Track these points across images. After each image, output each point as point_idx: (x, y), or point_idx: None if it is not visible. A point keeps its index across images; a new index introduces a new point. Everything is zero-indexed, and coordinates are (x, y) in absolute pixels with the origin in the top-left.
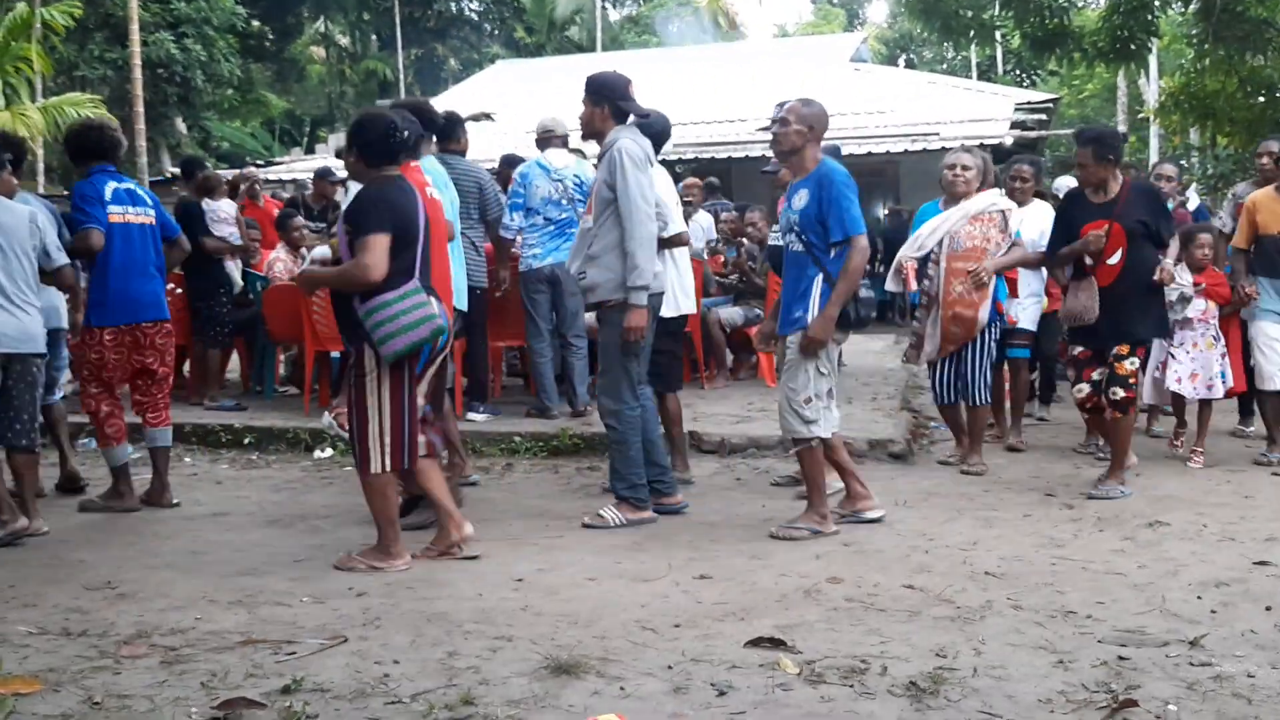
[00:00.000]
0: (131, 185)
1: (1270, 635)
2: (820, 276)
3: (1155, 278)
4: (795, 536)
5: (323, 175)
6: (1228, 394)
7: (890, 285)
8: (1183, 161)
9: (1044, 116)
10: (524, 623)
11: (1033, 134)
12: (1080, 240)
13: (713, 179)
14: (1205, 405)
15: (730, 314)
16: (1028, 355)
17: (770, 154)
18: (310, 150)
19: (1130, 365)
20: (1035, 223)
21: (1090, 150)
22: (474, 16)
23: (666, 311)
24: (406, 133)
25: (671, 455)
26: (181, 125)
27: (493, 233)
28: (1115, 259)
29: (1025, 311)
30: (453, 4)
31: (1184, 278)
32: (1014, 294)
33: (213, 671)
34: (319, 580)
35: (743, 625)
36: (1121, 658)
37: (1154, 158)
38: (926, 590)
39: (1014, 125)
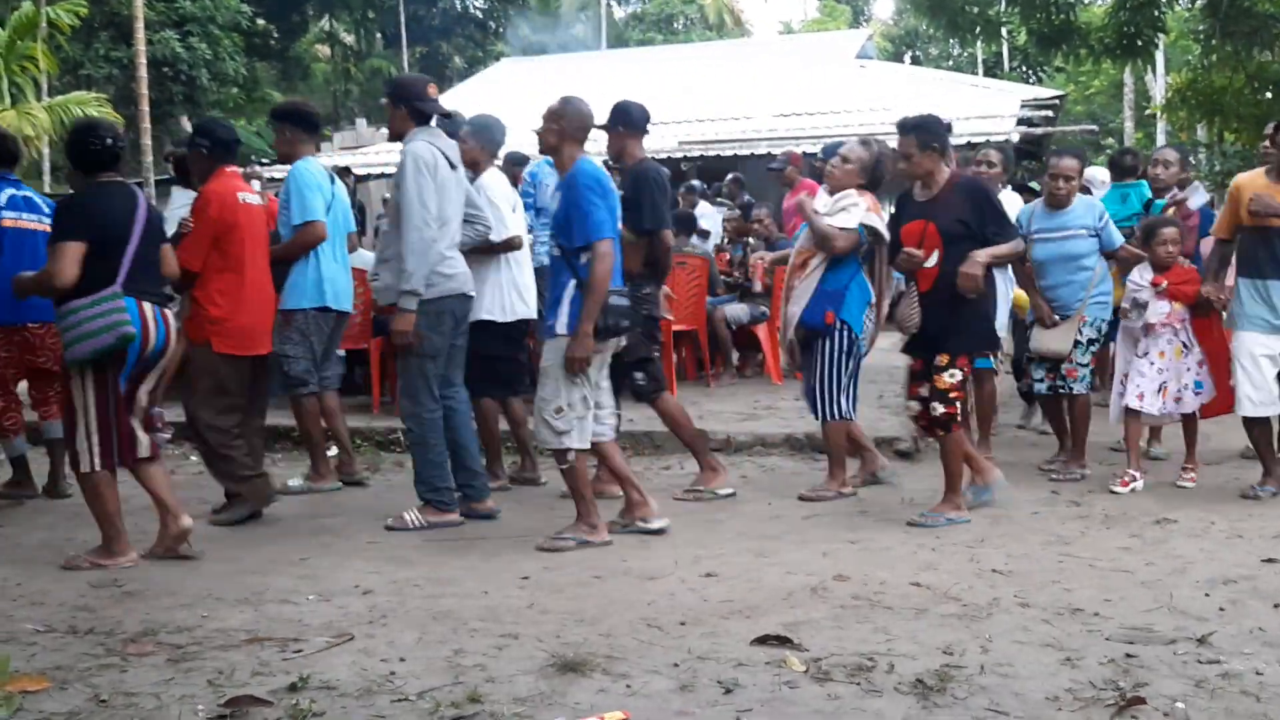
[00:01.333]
0: (30, 193)
1: (1279, 633)
2: (573, 283)
3: (960, 284)
4: (561, 548)
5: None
6: (1209, 411)
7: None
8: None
9: (1050, 113)
10: (530, 620)
11: (1039, 130)
12: (901, 255)
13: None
14: (1188, 418)
15: (736, 312)
16: (990, 365)
17: (775, 153)
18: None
19: (950, 378)
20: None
21: (913, 138)
22: (479, 14)
23: (500, 317)
24: (110, 140)
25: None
26: (187, 124)
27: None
28: (932, 262)
29: None
30: (457, 2)
31: (1143, 277)
32: None
33: (219, 669)
34: (325, 578)
35: (749, 623)
36: (1129, 655)
37: None
38: (933, 588)
39: (1020, 122)
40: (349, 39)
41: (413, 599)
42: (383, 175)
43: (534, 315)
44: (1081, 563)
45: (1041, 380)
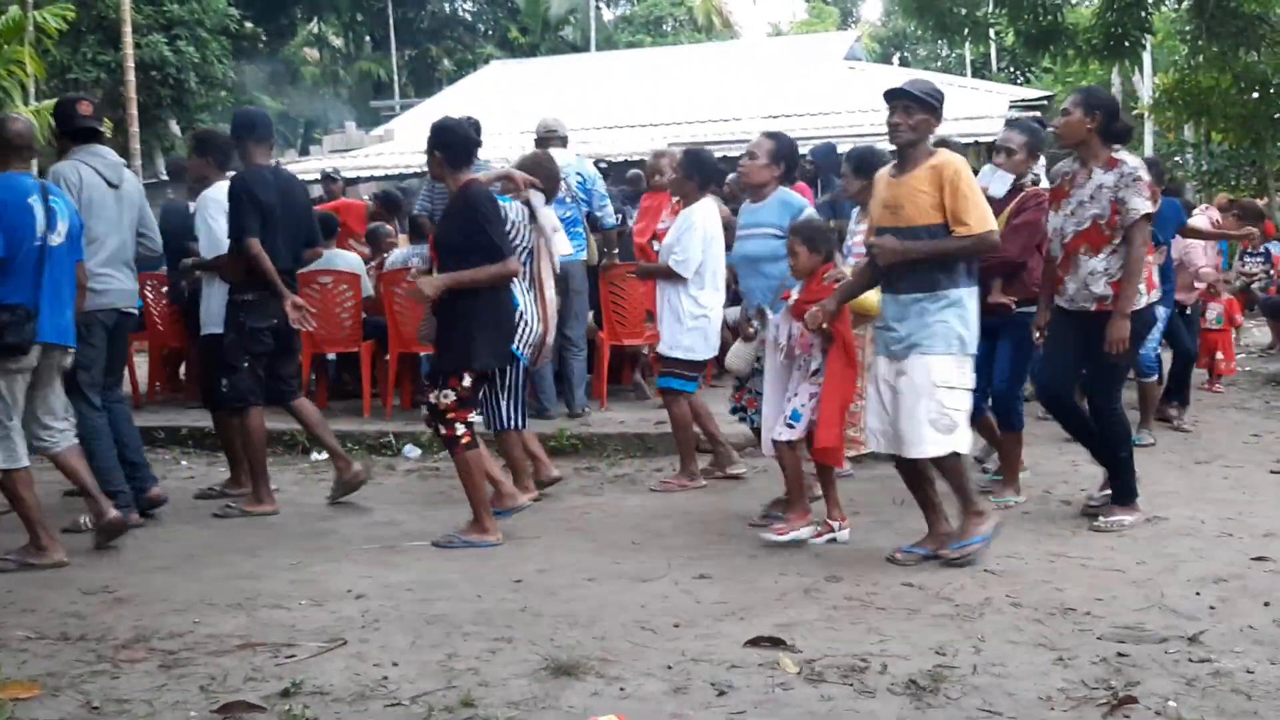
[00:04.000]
0: None
1: (1269, 631)
2: None
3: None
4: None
5: (330, 177)
6: (819, 452)
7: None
8: (1177, 158)
9: (1039, 113)
10: (523, 624)
11: None
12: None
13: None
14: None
15: (730, 313)
16: (673, 385)
17: None
18: (305, 152)
19: (443, 398)
20: None
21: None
22: (468, 17)
23: (215, 329)
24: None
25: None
26: (175, 127)
27: None
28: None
29: None
30: (446, 4)
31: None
32: None
33: (212, 675)
34: (318, 583)
35: (742, 624)
36: (1121, 654)
37: (1149, 154)
38: (926, 588)
39: (1008, 123)
40: (338, 42)
41: (405, 603)
42: (372, 178)
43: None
44: (1073, 562)
45: (731, 403)
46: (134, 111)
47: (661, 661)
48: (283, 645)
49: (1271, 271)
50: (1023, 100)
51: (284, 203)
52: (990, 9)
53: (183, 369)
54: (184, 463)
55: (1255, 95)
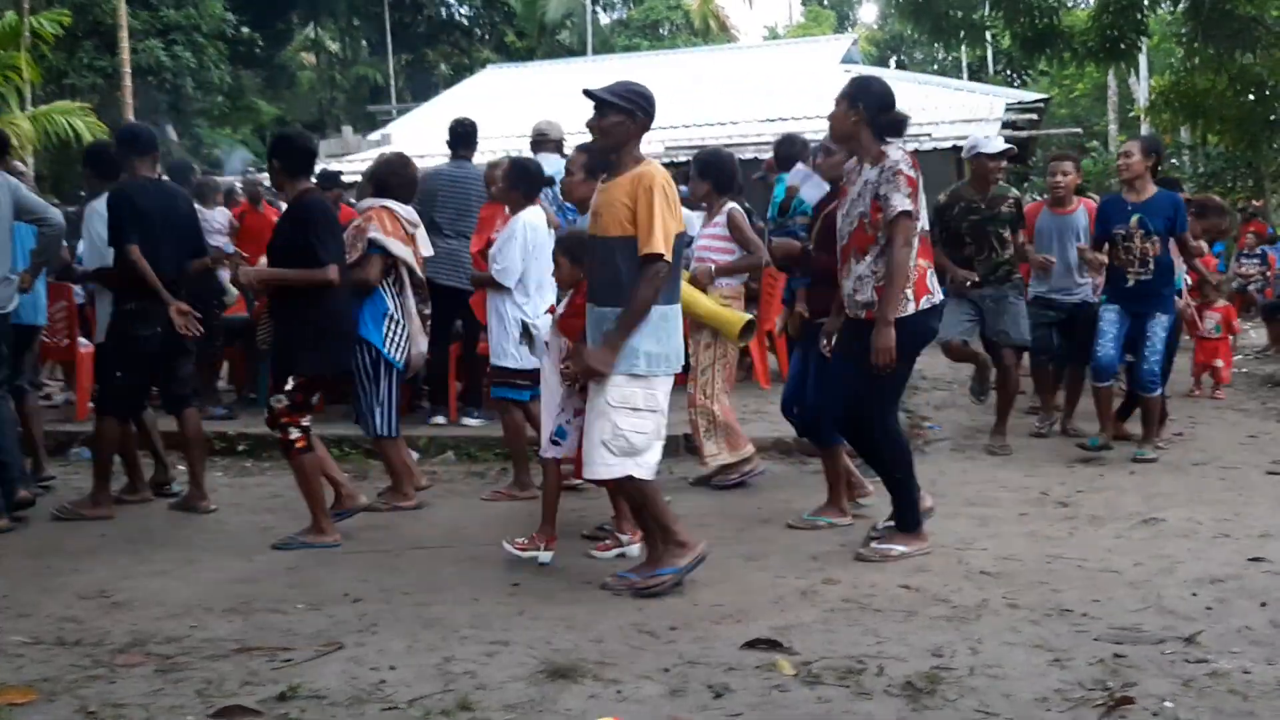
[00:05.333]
0: None
1: (1266, 631)
2: None
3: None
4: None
5: (328, 180)
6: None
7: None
8: (1174, 160)
9: (1035, 116)
10: (520, 627)
11: (1024, 134)
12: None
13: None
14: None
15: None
16: (508, 395)
17: (762, 157)
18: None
19: (276, 402)
20: None
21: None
22: (464, 21)
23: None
24: None
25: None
26: (172, 132)
27: None
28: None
29: None
30: (443, 9)
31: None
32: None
33: (208, 679)
34: (314, 587)
35: (739, 627)
36: (1118, 655)
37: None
38: (923, 590)
39: (1005, 125)
40: (334, 46)
41: (402, 606)
42: None
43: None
44: (1069, 563)
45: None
46: (130, 116)
47: (658, 664)
48: (279, 649)
49: (1268, 273)
50: (1019, 103)
51: (166, 213)
52: (986, 12)
53: None
54: (180, 467)
55: (1251, 97)
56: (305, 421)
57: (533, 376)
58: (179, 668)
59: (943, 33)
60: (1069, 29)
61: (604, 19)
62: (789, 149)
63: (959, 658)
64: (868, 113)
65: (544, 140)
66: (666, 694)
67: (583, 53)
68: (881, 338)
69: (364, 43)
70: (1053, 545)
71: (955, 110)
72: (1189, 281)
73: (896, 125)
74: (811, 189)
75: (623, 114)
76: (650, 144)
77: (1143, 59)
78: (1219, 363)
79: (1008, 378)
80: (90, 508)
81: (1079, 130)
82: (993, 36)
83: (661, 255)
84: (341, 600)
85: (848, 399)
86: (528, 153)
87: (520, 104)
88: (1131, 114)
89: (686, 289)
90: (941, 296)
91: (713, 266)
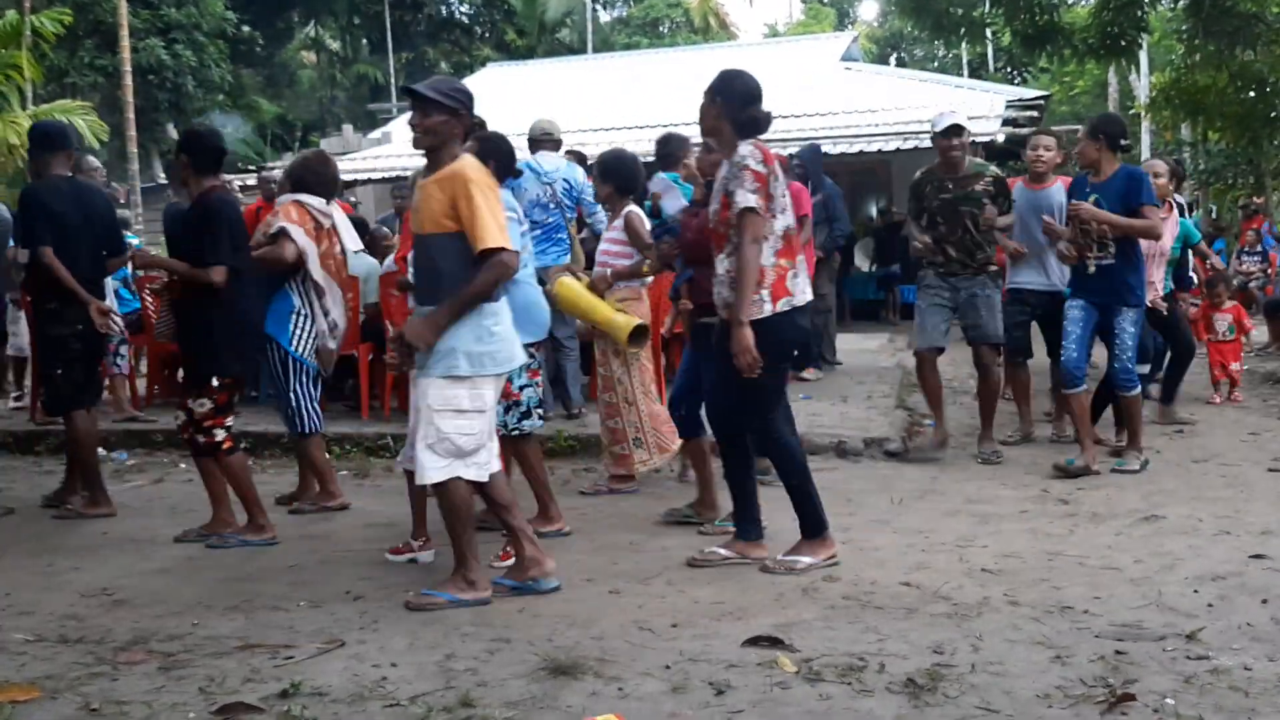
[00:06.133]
0: None
1: (1267, 628)
2: None
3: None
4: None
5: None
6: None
7: None
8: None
9: (1035, 113)
10: (521, 624)
11: (1025, 131)
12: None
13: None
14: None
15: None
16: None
17: None
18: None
19: (199, 406)
20: None
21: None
22: (464, 20)
23: None
24: None
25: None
26: (173, 131)
27: None
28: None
29: None
30: (443, 7)
31: None
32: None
33: (210, 677)
34: (315, 584)
35: (740, 624)
36: (1119, 652)
37: (1145, 153)
38: (924, 587)
39: (1006, 122)
40: (335, 45)
41: (403, 604)
42: (369, 180)
43: None
44: (1070, 560)
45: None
46: (131, 115)
47: (660, 661)
48: (281, 646)
49: (1269, 270)
50: (1020, 100)
51: (81, 212)
52: (987, 9)
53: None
54: (183, 465)
55: (1252, 94)
56: (229, 422)
57: None
58: (181, 665)
59: (943, 30)
60: (1069, 26)
61: (604, 17)
62: (665, 148)
63: (960, 655)
64: (727, 109)
65: (546, 139)
66: (668, 691)
67: (583, 51)
68: (736, 340)
69: (364, 41)
70: (1053, 542)
71: (956, 107)
72: (1197, 278)
73: (756, 123)
74: (671, 201)
75: (447, 112)
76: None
77: (1143, 56)
78: (1236, 365)
79: (987, 376)
80: (89, 506)
81: (1080, 127)
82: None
83: (501, 249)
84: (342, 597)
85: (718, 401)
86: (525, 151)
87: (521, 102)
88: (1132, 111)
89: (582, 295)
90: (806, 298)
91: (608, 272)
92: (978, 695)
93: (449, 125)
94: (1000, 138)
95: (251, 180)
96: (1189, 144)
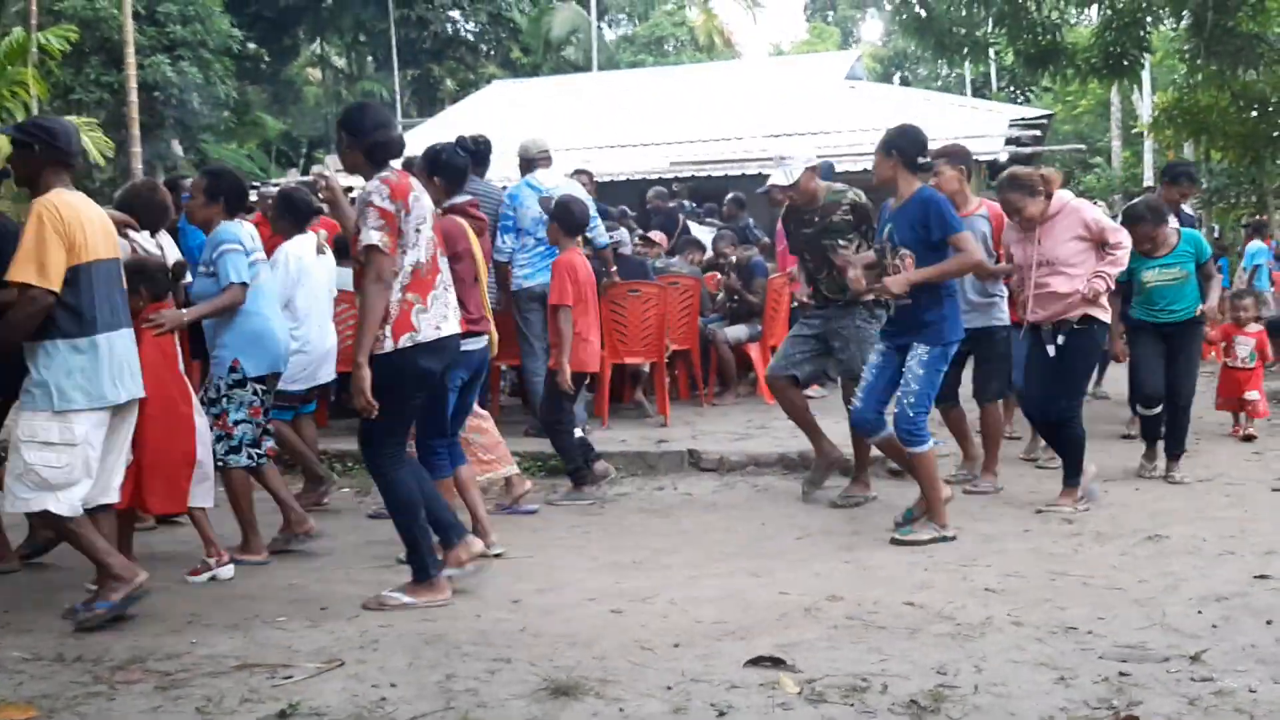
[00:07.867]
0: None
1: (1271, 649)
2: None
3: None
4: None
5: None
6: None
7: None
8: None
9: (1038, 132)
10: (522, 644)
11: (1027, 150)
12: None
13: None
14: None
15: (735, 332)
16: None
17: (766, 173)
18: (306, 172)
19: None
20: None
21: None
22: (470, 37)
23: None
24: None
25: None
26: (178, 148)
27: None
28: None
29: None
30: (448, 25)
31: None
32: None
33: (208, 696)
34: (315, 604)
35: (742, 644)
36: (1123, 673)
37: (1149, 173)
38: (927, 607)
39: (1009, 141)
40: (340, 62)
41: (403, 623)
42: None
43: None
44: (1074, 580)
45: None
46: (136, 132)
47: (661, 681)
48: (279, 666)
49: (1272, 291)
50: (1022, 119)
51: None
52: (989, 29)
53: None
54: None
55: (1254, 113)
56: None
57: (291, 398)
58: (179, 684)
59: (946, 49)
60: (1072, 46)
61: (609, 35)
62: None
63: (963, 675)
64: (351, 142)
65: (539, 158)
66: (669, 712)
67: (588, 69)
68: (354, 379)
69: (370, 58)
70: (1057, 562)
71: (959, 126)
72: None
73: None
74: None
75: (23, 148)
76: (655, 160)
77: (1145, 75)
78: (1254, 394)
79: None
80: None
81: (1082, 147)
82: (996, 53)
83: (31, 285)
84: (342, 616)
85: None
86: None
87: (526, 120)
88: (1135, 130)
89: None
90: (437, 334)
91: None
92: (981, 716)
93: (28, 159)
94: (1003, 156)
95: (253, 196)
96: (1191, 163)
